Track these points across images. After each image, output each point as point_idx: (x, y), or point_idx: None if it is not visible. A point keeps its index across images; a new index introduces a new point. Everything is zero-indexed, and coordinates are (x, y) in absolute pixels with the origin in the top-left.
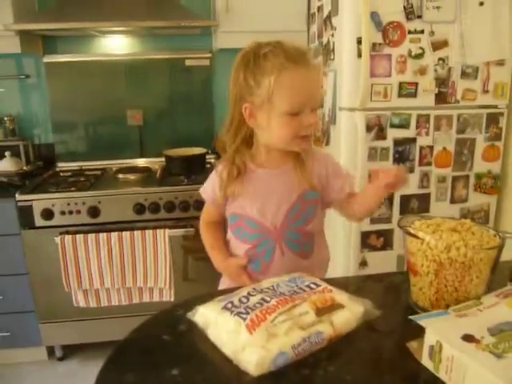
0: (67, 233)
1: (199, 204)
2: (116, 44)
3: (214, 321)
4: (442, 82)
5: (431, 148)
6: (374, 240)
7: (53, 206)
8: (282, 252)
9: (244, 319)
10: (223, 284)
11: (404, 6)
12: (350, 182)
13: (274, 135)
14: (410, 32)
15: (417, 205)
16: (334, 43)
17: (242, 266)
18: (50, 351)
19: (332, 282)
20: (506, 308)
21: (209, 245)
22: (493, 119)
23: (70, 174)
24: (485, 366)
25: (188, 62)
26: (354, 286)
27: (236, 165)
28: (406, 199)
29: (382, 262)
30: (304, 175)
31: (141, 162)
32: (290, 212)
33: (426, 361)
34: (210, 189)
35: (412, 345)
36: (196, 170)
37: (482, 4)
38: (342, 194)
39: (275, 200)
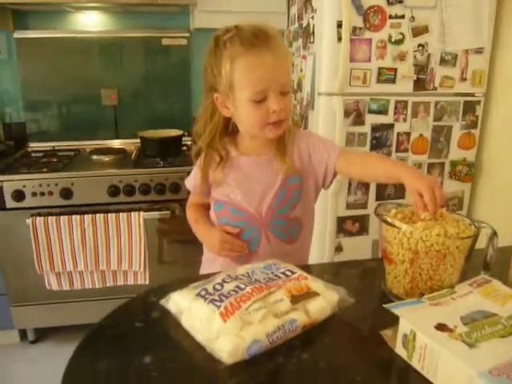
0: (39, 215)
1: (175, 186)
2: (90, 20)
3: (187, 308)
4: (421, 68)
5: (408, 134)
6: (350, 225)
7: (24, 187)
8: (268, 239)
9: (218, 307)
10: (204, 270)
11: None
12: (334, 150)
13: (244, 123)
14: (390, 17)
15: (393, 191)
16: (313, 26)
17: (231, 232)
18: (23, 334)
19: (307, 268)
20: (479, 297)
21: (193, 220)
22: (470, 107)
23: (42, 154)
24: (457, 355)
25: (165, 42)
26: (329, 272)
27: (217, 153)
28: (381, 185)
29: (357, 248)
30: (285, 160)
31: (115, 143)
32: (274, 199)
33: (399, 349)
34: (192, 178)
35: (386, 333)
36: (172, 152)
37: None
38: (333, 160)
39: (259, 187)
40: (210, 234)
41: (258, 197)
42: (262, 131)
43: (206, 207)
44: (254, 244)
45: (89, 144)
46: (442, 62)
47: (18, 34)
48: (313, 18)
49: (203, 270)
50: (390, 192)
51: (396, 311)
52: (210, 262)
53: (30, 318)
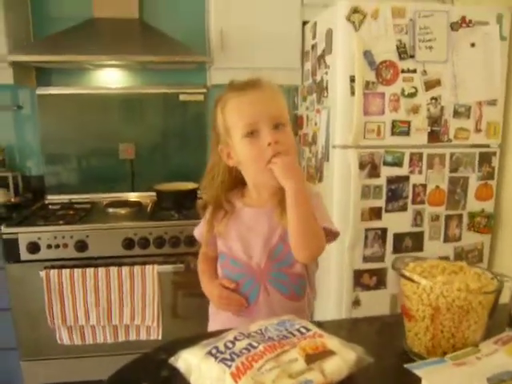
0: (53, 267)
1: (190, 240)
2: (110, 77)
3: (197, 367)
4: (434, 120)
5: (424, 186)
6: (367, 279)
7: (39, 239)
8: (267, 292)
9: (229, 366)
10: (212, 327)
11: (397, 46)
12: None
13: (247, 166)
14: (402, 71)
15: (410, 243)
16: (327, 81)
17: (228, 287)
18: None
19: (323, 325)
20: (505, 356)
21: (200, 271)
22: (485, 158)
23: (58, 206)
24: None
25: (182, 97)
26: (345, 329)
27: (222, 206)
28: (399, 238)
29: (375, 302)
30: (284, 214)
31: (132, 196)
32: (272, 252)
33: None
34: (200, 229)
35: None
36: (187, 205)
37: (473, 45)
38: None
39: (259, 239)
40: (210, 289)
41: (257, 249)
42: (264, 173)
43: (215, 259)
44: (253, 297)
45: (105, 197)
46: (456, 114)
47: (40, 91)
48: (326, 73)
49: (211, 323)
50: (408, 244)
51: (418, 372)
52: (214, 315)
53: (40, 373)
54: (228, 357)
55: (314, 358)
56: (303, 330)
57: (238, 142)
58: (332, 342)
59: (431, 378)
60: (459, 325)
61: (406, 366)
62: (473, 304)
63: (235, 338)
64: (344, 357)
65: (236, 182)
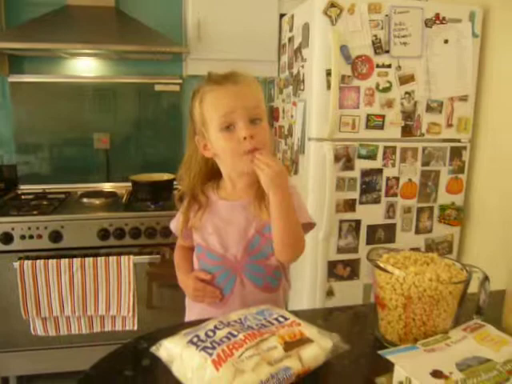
0: (27, 258)
1: (166, 231)
2: (85, 66)
3: (178, 356)
4: (408, 115)
5: (397, 179)
6: (341, 270)
7: (12, 229)
8: (242, 284)
9: (210, 354)
10: (189, 317)
11: (372, 41)
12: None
13: (223, 158)
14: (378, 66)
15: (383, 235)
16: (303, 74)
17: (204, 279)
18: (5, 382)
19: (299, 314)
20: (474, 342)
21: (176, 264)
22: (456, 152)
23: (32, 196)
24: None
25: (158, 87)
26: (321, 318)
27: (197, 199)
28: (372, 229)
29: (348, 292)
30: (261, 207)
31: (107, 186)
32: (249, 244)
33: None
34: (176, 222)
35: (381, 380)
36: (163, 195)
37: (446, 42)
38: None
39: (235, 232)
40: (186, 281)
41: (233, 241)
42: (240, 162)
43: (191, 250)
44: (228, 288)
45: (80, 187)
46: (429, 109)
47: (12, 78)
48: (303, 66)
49: (187, 313)
50: (381, 236)
51: (391, 358)
52: (189, 307)
53: (13, 364)
54: (209, 345)
55: (292, 345)
56: (281, 319)
57: (214, 134)
58: (309, 330)
59: (403, 363)
60: (430, 313)
61: (379, 352)
62: (443, 293)
63: (215, 327)
64: (321, 344)
65: (212, 173)
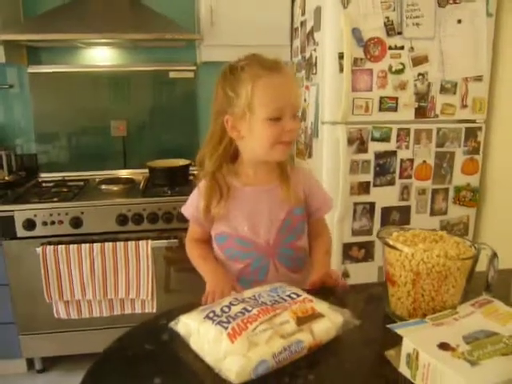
0: (49, 243)
1: (182, 216)
2: (101, 55)
3: (196, 330)
4: (421, 96)
5: (411, 161)
6: (356, 252)
7: (35, 216)
8: (276, 268)
9: (226, 328)
10: None
11: (384, 23)
12: (327, 205)
13: (256, 143)
14: (390, 48)
15: (398, 217)
16: (316, 58)
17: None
18: (30, 363)
19: (313, 292)
20: (481, 317)
21: (196, 255)
22: (471, 133)
23: (52, 184)
24: (459, 373)
25: (172, 74)
26: (334, 296)
27: (218, 185)
28: (386, 211)
29: (363, 274)
30: (290, 191)
31: (124, 173)
32: (281, 228)
33: (403, 368)
34: (192, 208)
35: (390, 353)
36: (180, 181)
37: (460, 22)
38: (316, 216)
39: (266, 217)
40: (221, 282)
41: (265, 227)
42: (272, 150)
43: (207, 241)
44: (263, 274)
45: (98, 174)
46: (442, 90)
47: (31, 69)
48: (315, 50)
49: None
50: (395, 218)
51: (399, 331)
52: None
53: (38, 346)
54: (224, 320)
55: (304, 320)
56: (294, 296)
57: (259, 121)
58: (321, 305)
59: (411, 336)
60: (438, 289)
61: (388, 326)
62: (451, 269)
63: (231, 303)
64: (332, 319)
65: (230, 156)
